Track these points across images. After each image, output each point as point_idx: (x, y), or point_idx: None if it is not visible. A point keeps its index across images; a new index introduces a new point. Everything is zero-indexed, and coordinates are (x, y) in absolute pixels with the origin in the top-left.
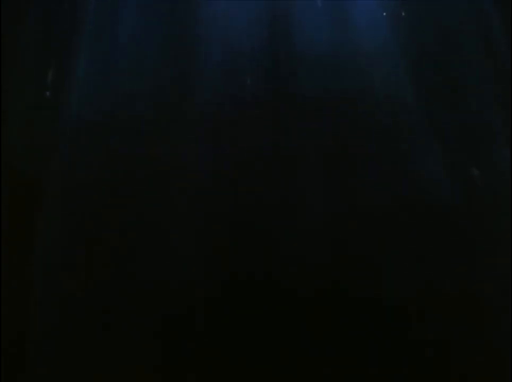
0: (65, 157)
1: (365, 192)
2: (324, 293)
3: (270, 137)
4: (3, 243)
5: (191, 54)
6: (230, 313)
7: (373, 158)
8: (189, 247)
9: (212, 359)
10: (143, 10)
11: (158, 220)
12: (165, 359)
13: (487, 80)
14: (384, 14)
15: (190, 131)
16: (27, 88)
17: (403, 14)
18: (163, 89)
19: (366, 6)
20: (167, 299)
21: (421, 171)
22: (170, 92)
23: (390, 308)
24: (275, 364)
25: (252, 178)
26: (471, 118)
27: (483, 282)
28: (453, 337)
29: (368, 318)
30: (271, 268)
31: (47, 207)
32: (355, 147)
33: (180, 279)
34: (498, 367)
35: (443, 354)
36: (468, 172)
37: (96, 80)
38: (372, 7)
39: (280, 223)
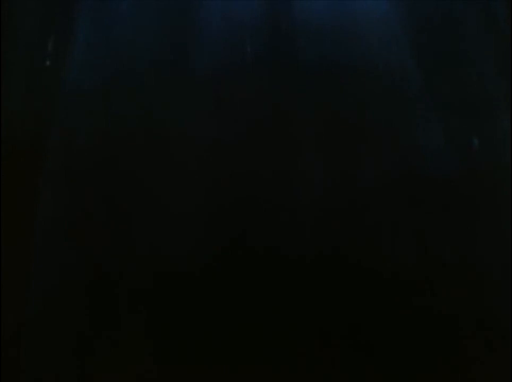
0: (65, 124)
1: (364, 161)
2: (323, 262)
3: (269, 105)
4: (3, 211)
5: (191, 22)
6: (228, 280)
7: (372, 128)
8: (188, 214)
9: (210, 327)
10: None
11: (157, 188)
12: (161, 328)
13: (488, 51)
14: None
15: (190, 97)
16: (28, 56)
17: None
18: (163, 56)
19: None
20: (166, 268)
21: (421, 141)
22: (170, 59)
23: (390, 277)
24: (275, 330)
25: (251, 144)
26: (472, 88)
27: (483, 251)
28: (454, 307)
29: (368, 288)
30: (270, 235)
31: (47, 174)
32: (354, 116)
33: (179, 247)
34: (500, 339)
35: (444, 324)
36: (468, 141)
37: (96, 48)
38: None
39: (279, 191)
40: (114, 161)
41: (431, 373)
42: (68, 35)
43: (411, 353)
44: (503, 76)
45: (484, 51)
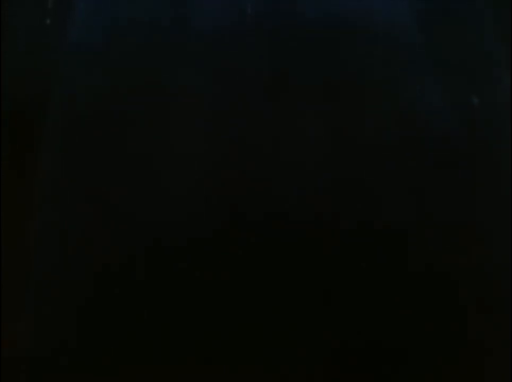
0: (66, 82)
1: (364, 121)
2: (323, 222)
3: (270, 65)
4: (3, 171)
5: None
6: (228, 245)
7: (372, 87)
8: (188, 177)
9: (211, 295)
10: None
11: (158, 145)
12: (162, 296)
13: (488, 9)
14: None
15: (190, 58)
16: (28, 14)
17: None
18: (163, 14)
19: None
20: (165, 234)
21: (421, 100)
22: (170, 17)
23: (390, 237)
24: (277, 289)
25: (251, 105)
26: (471, 47)
27: (482, 212)
28: (453, 269)
29: (367, 247)
30: (269, 200)
31: (47, 134)
32: (354, 76)
33: (179, 213)
34: (498, 299)
35: (441, 283)
36: (467, 100)
37: (96, 5)
38: None
39: (278, 152)
40: (115, 118)
41: (425, 331)
42: None
43: (407, 312)
44: (504, 35)
45: (484, 10)
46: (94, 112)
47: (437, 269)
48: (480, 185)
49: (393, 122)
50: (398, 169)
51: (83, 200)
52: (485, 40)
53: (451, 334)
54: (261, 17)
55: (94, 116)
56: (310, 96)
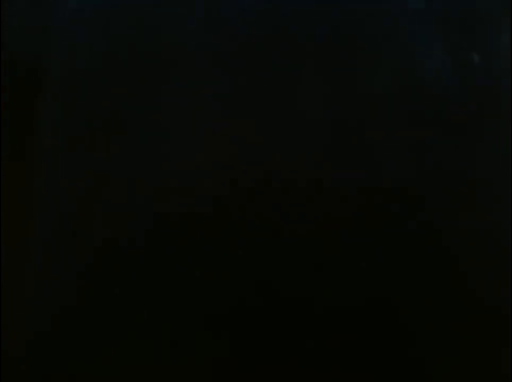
0: (66, 44)
1: (364, 79)
2: (321, 178)
3: (269, 21)
4: (3, 126)
5: None
6: (228, 202)
7: (372, 44)
8: (190, 135)
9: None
10: None
11: (158, 108)
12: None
13: None
14: None
15: (190, 14)
16: None
17: None
18: None
19: None
20: (170, 196)
21: (421, 57)
22: None
23: (389, 193)
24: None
25: (251, 60)
26: (472, 3)
27: (482, 168)
28: (453, 223)
29: (366, 204)
30: (268, 153)
31: (47, 92)
32: (354, 32)
33: (181, 171)
34: (499, 256)
35: (443, 238)
36: (467, 57)
37: None
38: None
39: (278, 106)
40: (115, 80)
41: (426, 283)
42: None
43: (409, 267)
44: None
45: None
46: (93, 73)
47: (437, 227)
48: (480, 142)
49: (393, 80)
50: (398, 125)
51: (81, 155)
52: None
53: (448, 283)
54: None
55: (94, 77)
56: (311, 51)
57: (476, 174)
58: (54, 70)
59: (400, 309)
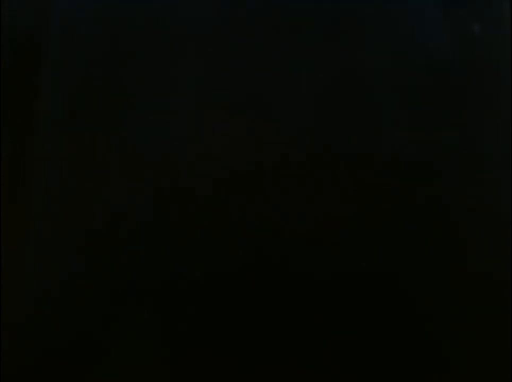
0: (65, 15)
1: (364, 50)
2: (320, 152)
3: (271, 3)
4: (3, 103)
5: None
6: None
7: (371, 18)
8: (189, 102)
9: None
10: None
11: (159, 78)
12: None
13: None
14: None
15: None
16: None
17: None
18: None
19: None
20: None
21: (421, 29)
22: None
23: (391, 166)
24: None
25: (252, 36)
26: None
27: (482, 138)
28: (454, 194)
29: (369, 175)
30: (270, 129)
31: (47, 64)
32: (354, 7)
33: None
34: (499, 228)
35: (444, 211)
36: (467, 29)
37: None
38: None
39: (279, 83)
40: (114, 51)
41: (428, 255)
42: None
43: (410, 238)
44: None
45: None
46: (93, 44)
47: (443, 201)
48: (480, 113)
49: (393, 52)
50: (398, 98)
51: (83, 123)
52: None
53: (448, 255)
54: None
55: (94, 45)
56: (311, 27)
57: (477, 146)
58: (53, 43)
59: (406, 282)
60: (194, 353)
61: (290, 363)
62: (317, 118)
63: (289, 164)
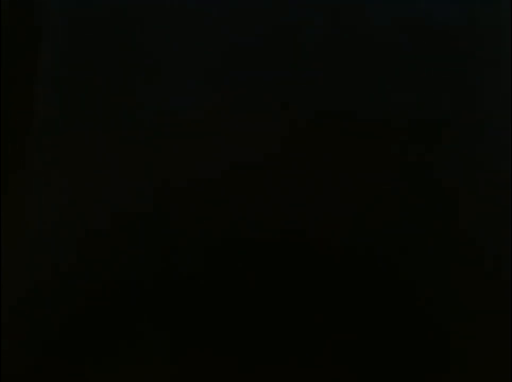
0: None
1: (364, 13)
2: (327, 117)
3: None
4: (3, 73)
5: None
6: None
7: None
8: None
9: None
10: None
11: (158, 56)
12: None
13: None
14: None
15: None
16: None
17: None
18: None
19: None
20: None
21: None
22: None
23: (391, 128)
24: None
25: (253, 12)
26: None
27: (482, 102)
28: (452, 158)
29: (368, 138)
30: (273, 85)
31: (46, 42)
32: None
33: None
34: (499, 198)
35: (443, 174)
36: None
37: None
38: None
39: (281, 42)
40: (113, 31)
41: (428, 226)
42: None
43: (412, 205)
44: None
45: None
46: (93, 15)
47: (436, 160)
48: (480, 76)
49: (392, 15)
50: (398, 59)
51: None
52: None
53: (448, 226)
54: None
55: (92, 23)
56: None
57: (474, 109)
58: (53, 18)
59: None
60: (194, 356)
61: (291, 360)
62: (319, 78)
63: (291, 122)
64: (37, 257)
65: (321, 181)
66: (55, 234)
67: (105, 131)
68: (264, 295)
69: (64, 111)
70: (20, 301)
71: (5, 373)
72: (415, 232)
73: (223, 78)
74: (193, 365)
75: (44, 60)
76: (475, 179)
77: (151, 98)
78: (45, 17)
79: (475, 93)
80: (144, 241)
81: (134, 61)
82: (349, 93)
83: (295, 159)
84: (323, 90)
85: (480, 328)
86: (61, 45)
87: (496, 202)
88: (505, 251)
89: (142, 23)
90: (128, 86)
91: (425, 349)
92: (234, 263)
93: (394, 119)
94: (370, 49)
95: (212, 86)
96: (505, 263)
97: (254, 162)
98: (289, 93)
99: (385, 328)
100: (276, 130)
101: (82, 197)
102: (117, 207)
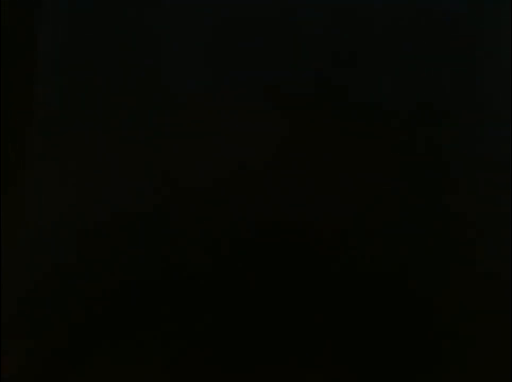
0: None
1: None
2: (325, 96)
3: None
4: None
5: None
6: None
7: None
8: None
9: None
10: None
11: (158, 55)
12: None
13: None
14: None
15: None
16: None
17: None
18: None
19: None
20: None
21: None
22: None
23: (391, 109)
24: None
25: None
26: None
27: (482, 85)
28: (455, 136)
29: (368, 122)
30: (271, 64)
31: (45, 17)
32: None
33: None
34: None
35: (445, 153)
36: None
37: None
38: None
39: (281, 27)
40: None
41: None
42: None
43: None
44: None
45: None
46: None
47: (439, 138)
48: (480, 61)
49: (396, 3)
50: (398, 40)
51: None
52: None
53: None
54: None
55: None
56: None
57: (475, 88)
58: (52, 16)
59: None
60: (194, 356)
61: (291, 360)
62: (318, 61)
63: (291, 117)
64: (37, 257)
65: (321, 179)
66: (55, 234)
67: (105, 131)
68: (265, 295)
69: (64, 111)
70: (20, 301)
71: (5, 373)
72: (414, 231)
73: (223, 78)
74: (193, 365)
75: (44, 60)
76: (475, 175)
77: (150, 98)
78: (44, 15)
79: (475, 73)
80: (145, 241)
81: (134, 60)
82: (349, 75)
83: (295, 157)
84: (323, 82)
85: (480, 328)
86: (60, 44)
87: (497, 200)
88: (505, 251)
89: (142, 22)
90: (128, 85)
91: (425, 349)
92: (235, 263)
93: (394, 101)
94: (369, 31)
95: (212, 86)
96: (505, 263)
97: (254, 161)
98: (289, 93)
99: (385, 328)
100: (276, 127)
101: (82, 196)
102: (117, 207)
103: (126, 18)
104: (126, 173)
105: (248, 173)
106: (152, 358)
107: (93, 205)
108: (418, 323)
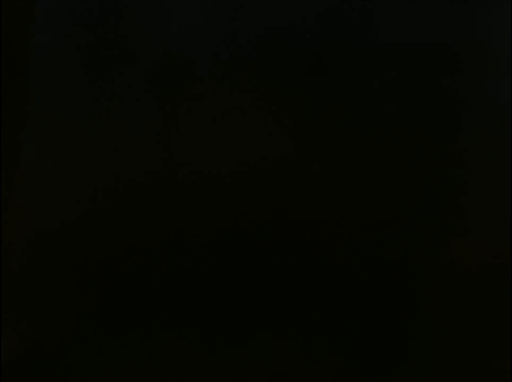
0: None
1: None
2: (327, 51)
3: None
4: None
5: None
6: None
7: None
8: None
9: None
10: None
11: (157, 55)
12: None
13: None
14: None
15: None
16: None
17: None
18: None
19: None
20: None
21: None
22: None
23: (390, 62)
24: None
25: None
26: None
27: (482, 34)
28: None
29: (369, 76)
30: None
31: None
32: None
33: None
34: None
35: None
36: None
37: None
38: None
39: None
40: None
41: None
42: None
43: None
44: None
45: None
46: None
47: (443, 86)
48: (481, 11)
49: None
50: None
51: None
52: None
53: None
54: None
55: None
56: None
57: (476, 44)
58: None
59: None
60: (195, 356)
61: (291, 356)
62: (319, 26)
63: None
64: (37, 256)
65: (323, 178)
66: (55, 234)
67: (102, 128)
68: (265, 295)
69: (61, 108)
70: (20, 301)
71: (5, 373)
72: (414, 230)
73: (223, 78)
74: (193, 365)
75: (36, 58)
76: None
77: (149, 95)
78: (39, 12)
79: (474, 26)
80: (144, 240)
81: (131, 57)
82: (345, 33)
83: (296, 155)
84: (322, 35)
85: (480, 328)
86: (55, 40)
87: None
88: (505, 251)
89: (140, 19)
90: (125, 82)
91: (425, 348)
92: (235, 263)
93: (390, 58)
94: (370, 16)
95: (212, 86)
96: (505, 263)
97: (254, 161)
98: (290, 90)
99: (385, 328)
100: (278, 124)
101: (82, 196)
102: (117, 206)
103: (122, 16)
104: (125, 171)
105: (248, 173)
106: (153, 358)
107: (91, 204)
108: (418, 323)
